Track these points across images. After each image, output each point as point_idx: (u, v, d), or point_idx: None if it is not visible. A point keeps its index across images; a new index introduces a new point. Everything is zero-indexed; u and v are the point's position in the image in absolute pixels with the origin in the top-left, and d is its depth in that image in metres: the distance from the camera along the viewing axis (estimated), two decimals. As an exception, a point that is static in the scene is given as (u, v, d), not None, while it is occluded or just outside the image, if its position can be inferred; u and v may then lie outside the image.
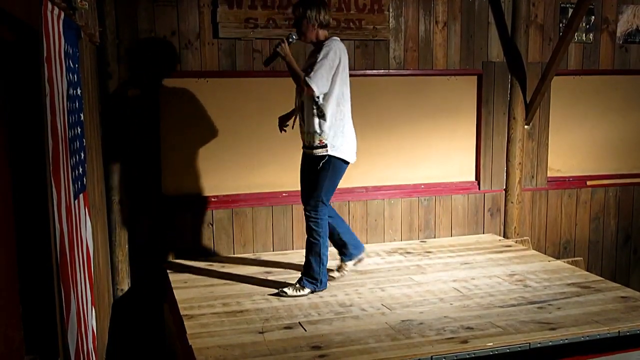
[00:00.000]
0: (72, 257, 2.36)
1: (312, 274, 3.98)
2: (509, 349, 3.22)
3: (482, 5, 5.23)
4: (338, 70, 3.82)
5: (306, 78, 3.75)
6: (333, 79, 3.81)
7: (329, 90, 3.82)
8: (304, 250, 4.08)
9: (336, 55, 3.81)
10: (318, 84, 3.75)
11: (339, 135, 3.90)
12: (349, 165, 4.01)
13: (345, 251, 4.25)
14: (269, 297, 3.92)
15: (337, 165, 3.94)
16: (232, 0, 4.60)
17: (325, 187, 3.95)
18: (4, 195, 2.02)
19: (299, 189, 4.07)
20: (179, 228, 4.72)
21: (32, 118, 2.16)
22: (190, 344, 3.25)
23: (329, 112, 3.85)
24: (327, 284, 4.07)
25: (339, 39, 3.91)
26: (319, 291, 3.99)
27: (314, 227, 3.99)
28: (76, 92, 2.77)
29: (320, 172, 3.92)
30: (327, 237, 4.07)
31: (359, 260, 4.30)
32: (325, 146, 3.88)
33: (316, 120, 3.86)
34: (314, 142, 3.89)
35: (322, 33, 3.92)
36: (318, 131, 3.87)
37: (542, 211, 5.64)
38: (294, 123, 4.16)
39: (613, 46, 5.64)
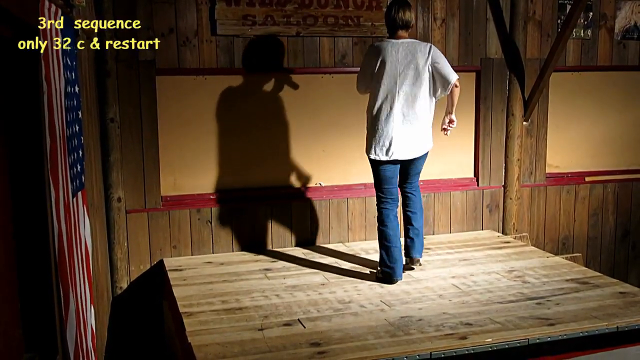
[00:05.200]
0: (70, 255, 2.36)
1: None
2: (507, 344, 3.23)
3: (480, 2, 5.23)
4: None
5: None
6: None
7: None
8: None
9: None
10: None
11: None
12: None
13: None
14: (268, 294, 3.93)
15: None
16: (230, -3, 4.60)
17: None
18: (2, 194, 2.02)
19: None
20: (178, 225, 4.72)
21: (29, 116, 2.16)
22: (189, 341, 3.25)
23: None
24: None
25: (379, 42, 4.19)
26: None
27: None
28: (74, 89, 2.76)
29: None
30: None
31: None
32: None
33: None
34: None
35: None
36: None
37: (540, 207, 5.64)
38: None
39: (611, 42, 5.64)
